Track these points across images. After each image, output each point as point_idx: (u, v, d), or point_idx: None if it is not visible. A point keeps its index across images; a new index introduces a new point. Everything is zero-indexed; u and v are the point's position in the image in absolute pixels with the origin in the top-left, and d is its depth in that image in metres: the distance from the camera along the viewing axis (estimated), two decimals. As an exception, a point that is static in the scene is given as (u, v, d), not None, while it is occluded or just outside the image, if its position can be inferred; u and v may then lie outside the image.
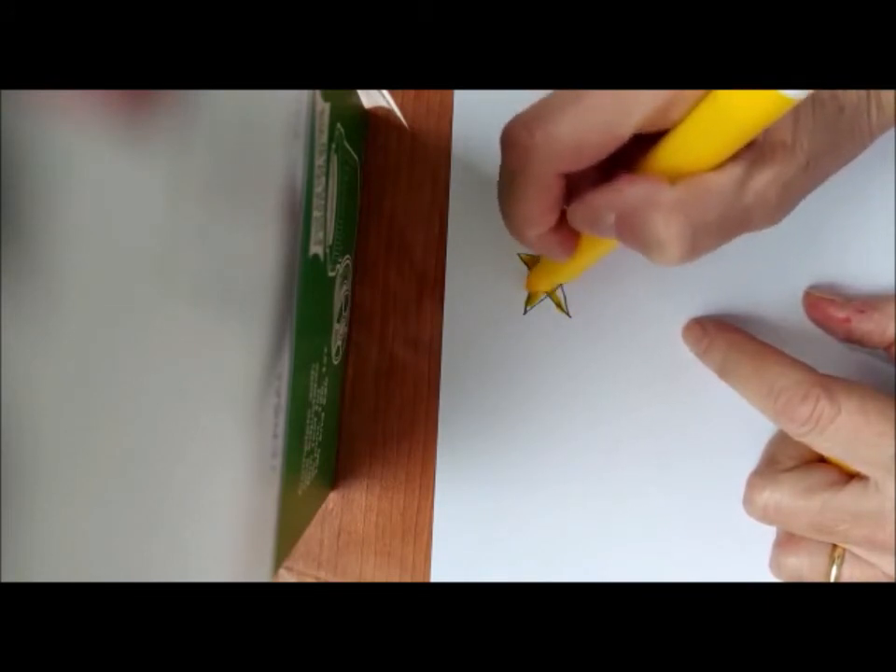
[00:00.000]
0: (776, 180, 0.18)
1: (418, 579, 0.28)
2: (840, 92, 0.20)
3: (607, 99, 0.18)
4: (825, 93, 0.19)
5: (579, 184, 0.20)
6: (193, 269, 0.13)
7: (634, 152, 0.19)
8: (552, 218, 0.21)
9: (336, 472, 0.28)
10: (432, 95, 0.28)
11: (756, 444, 0.26)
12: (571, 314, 0.27)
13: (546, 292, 0.27)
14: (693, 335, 0.26)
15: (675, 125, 0.18)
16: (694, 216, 0.18)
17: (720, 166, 0.18)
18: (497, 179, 0.21)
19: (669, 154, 0.18)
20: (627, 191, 0.19)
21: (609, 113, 0.18)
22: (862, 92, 0.20)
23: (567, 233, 0.22)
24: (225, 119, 0.14)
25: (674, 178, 0.18)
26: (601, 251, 0.23)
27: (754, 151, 0.18)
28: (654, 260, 0.19)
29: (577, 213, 0.20)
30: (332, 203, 0.22)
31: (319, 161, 0.20)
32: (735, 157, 0.18)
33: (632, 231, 0.19)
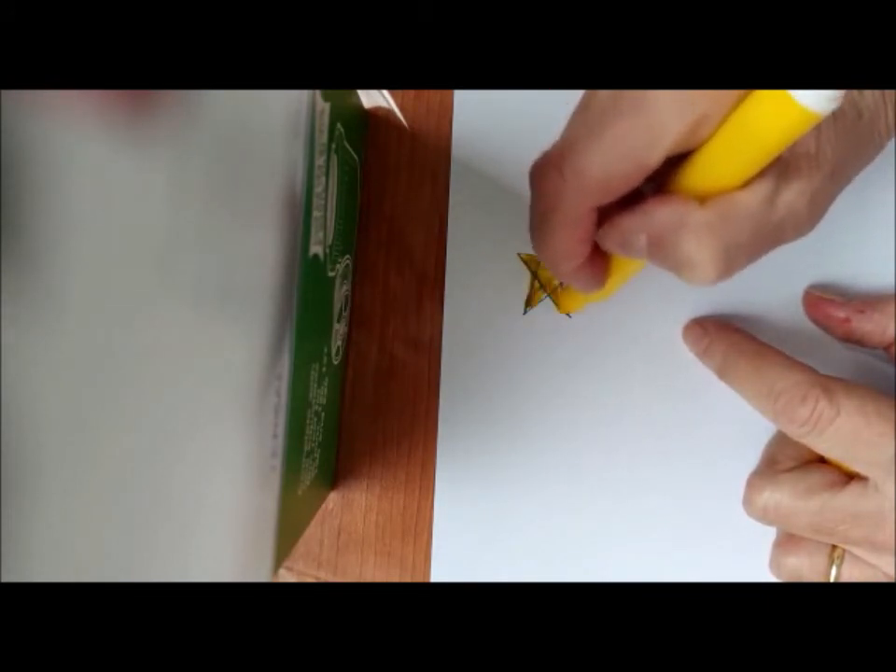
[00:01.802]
0: (804, 192, 0.18)
1: (418, 579, 0.28)
2: (858, 98, 0.20)
3: (633, 128, 0.17)
4: (843, 102, 0.19)
5: (610, 211, 0.20)
6: (193, 269, 0.13)
7: (661, 172, 0.19)
8: (585, 250, 0.21)
9: (336, 472, 0.28)
10: (432, 95, 0.28)
11: (756, 445, 0.26)
12: (571, 314, 0.27)
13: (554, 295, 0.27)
14: (692, 335, 0.26)
15: (701, 144, 0.18)
16: (726, 236, 0.18)
17: (748, 183, 0.18)
18: (529, 216, 0.21)
19: (697, 174, 0.18)
20: (657, 213, 0.19)
21: (637, 142, 0.18)
22: (878, 94, 0.20)
23: (599, 264, 0.22)
24: (225, 118, 0.14)
25: (703, 197, 0.18)
26: (631, 273, 0.23)
27: (780, 166, 0.18)
28: (688, 281, 0.19)
29: (608, 235, 0.20)
30: (332, 203, 0.22)
31: (319, 161, 0.20)
32: (762, 173, 0.18)
33: (664, 253, 0.19)
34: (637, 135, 0.17)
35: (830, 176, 0.19)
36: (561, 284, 0.27)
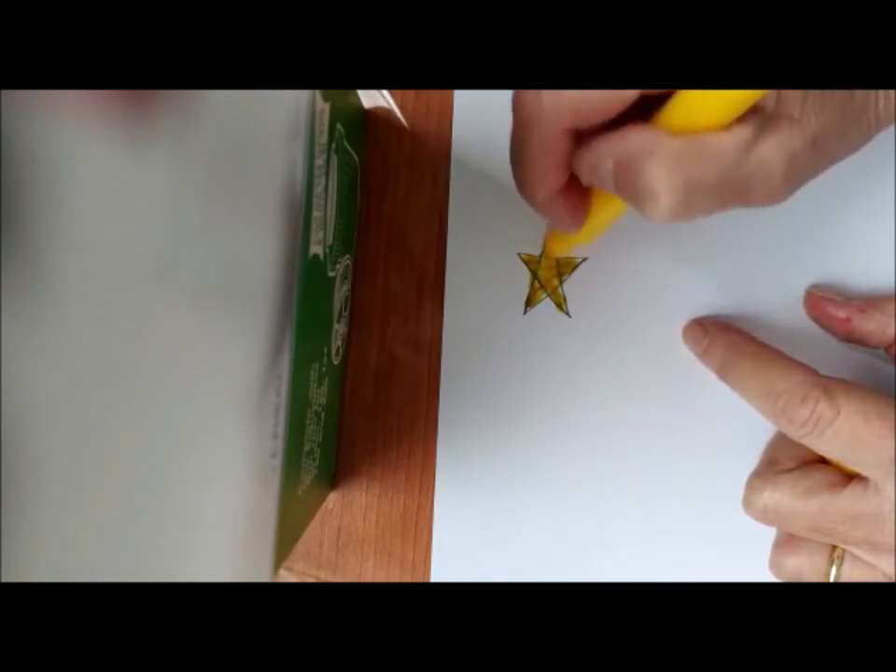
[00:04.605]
0: (781, 150, 0.18)
1: (418, 579, 0.28)
2: None
3: None
4: None
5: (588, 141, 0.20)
6: (193, 269, 0.13)
7: (647, 116, 0.19)
8: (560, 178, 0.21)
9: (336, 472, 0.28)
10: (432, 95, 0.28)
11: (756, 445, 0.26)
12: (571, 314, 0.27)
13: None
14: (693, 335, 0.26)
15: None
16: (692, 171, 0.18)
17: (727, 127, 0.18)
18: (509, 142, 0.21)
19: (675, 112, 0.18)
20: (628, 138, 0.19)
21: None
22: None
23: (575, 198, 0.22)
24: (225, 118, 0.14)
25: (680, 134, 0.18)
26: (610, 215, 0.23)
27: (762, 120, 0.18)
28: (646, 214, 0.19)
29: (582, 159, 0.20)
30: (332, 203, 0.22)
31: (319, 161, 0.20)
32: (742, 120, 0.18)
33: (628, 180, 0.19)
34: None
35: (811, 145, 0.19)
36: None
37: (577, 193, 0.22)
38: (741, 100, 0.17)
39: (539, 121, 0.19)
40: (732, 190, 0.19)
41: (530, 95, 0.19)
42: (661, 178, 0.18)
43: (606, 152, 0.19)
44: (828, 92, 0.19)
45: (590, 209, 0.23)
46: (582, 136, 0.20)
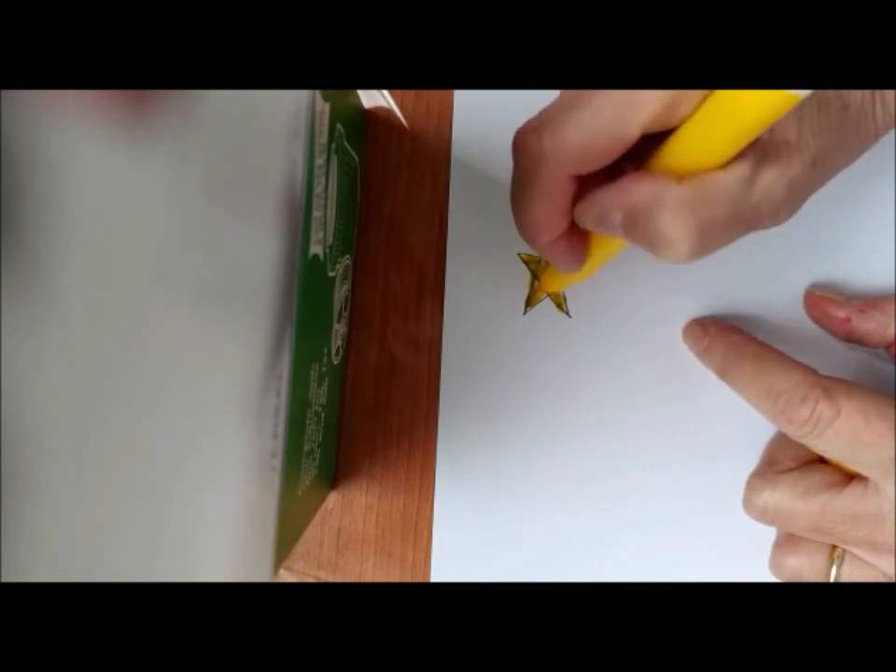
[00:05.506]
0: (781, 178, 0.18)
1: (418, 579, 0.28)
2: (844, 91, 0.20)
3: (612, 100, 0.18)
4: (829, 91, 0.19)
5: (589, 186, 0.20)
6: (193, 269, 0.13)
7: (642, 151, 0.19)
8: (563, 223, 0.21)
9: (336, 472, 0.28)
10: (432, 95, 0.28)
11: (756, 445, 0.26)
12: (571, 314, 0.27)
13: (552, 292, 0.27)
14: (693, 335, 0.26)
15: (682, 122, 0.18)
16: (703, 214, 0.18)
17: (726, 164, 0.18)
18: (510, 186, 0.21)
19: (676, 153, 0.18)
20: (634, 189, 0.19)
21: (616, 115, 0.18)
22: (867, 90, 0.20)
23: (577, 240, 0.22)
24: (225, 118, 0.14)
25: (681, 177, 0.18)
26: (610, 253, 0.23)
27: (759, 150, 0.18)
28: (662, 258, 0.19)
29: (585, 211, 0.20)
30: (332, 203, 0.22)
31: (319, 161, 0.20)
32: (741, 155, 0.18)
33: (640, 230, 0.19)
34: (614, 107, 0.18)
35: (811, 166, 0.19)
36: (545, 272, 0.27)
37: (578, 235, 0.22)
38: (738, 139, 0.17)
39: (542, 168, 0.19)
40: (742, 222, 0.19)
41: (531, 140, 0.19)
42: (676, 226, 0.18)
43: (614, 204, 0.19)
44: (823, 111, 0.19)
45: (590, 249, 0.23)
46: (583, 183, 0.20)
